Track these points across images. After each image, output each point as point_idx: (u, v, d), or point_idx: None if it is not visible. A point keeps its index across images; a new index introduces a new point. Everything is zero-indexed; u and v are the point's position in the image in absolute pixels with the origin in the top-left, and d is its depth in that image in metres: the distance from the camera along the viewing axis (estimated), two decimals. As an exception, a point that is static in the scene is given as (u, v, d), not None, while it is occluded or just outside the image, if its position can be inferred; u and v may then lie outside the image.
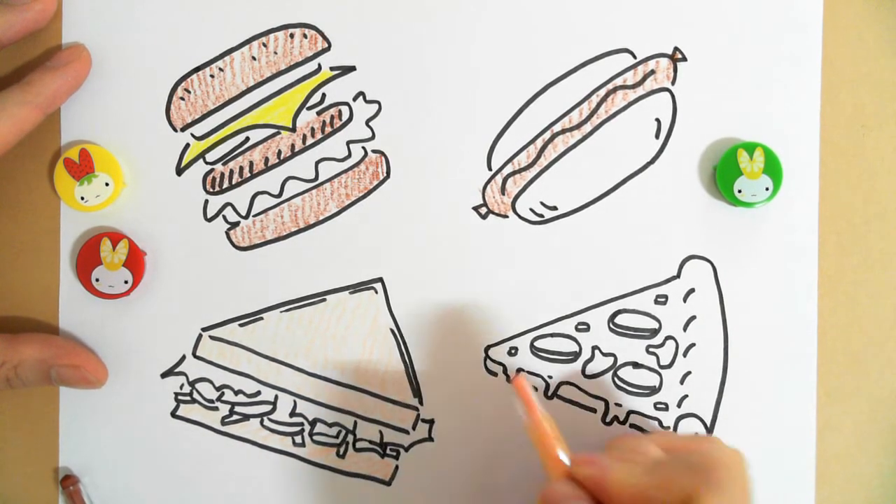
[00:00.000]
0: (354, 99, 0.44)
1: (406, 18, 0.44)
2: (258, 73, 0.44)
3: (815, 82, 0.44)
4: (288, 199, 0.44)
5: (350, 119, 0.44)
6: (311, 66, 0.44)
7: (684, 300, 0.44)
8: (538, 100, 0.44)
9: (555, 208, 0.44)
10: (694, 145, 0.44)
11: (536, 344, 0.44)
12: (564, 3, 0.44)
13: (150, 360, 0.44)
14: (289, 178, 0.44)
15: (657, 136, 0.44)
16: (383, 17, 0.44)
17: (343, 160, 0.44)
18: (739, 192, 0.43)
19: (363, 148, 0.44)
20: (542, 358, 0.44)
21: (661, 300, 0.44)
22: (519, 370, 0.44)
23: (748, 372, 0.44)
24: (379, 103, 0.44)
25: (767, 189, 0.43)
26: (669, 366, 0.44)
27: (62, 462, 0.45)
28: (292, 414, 0.45)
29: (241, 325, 0.44)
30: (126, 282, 0.43)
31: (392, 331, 0.44)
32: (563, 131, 0.44)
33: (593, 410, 0.44)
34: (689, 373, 0.44)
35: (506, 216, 0.44)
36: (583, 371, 0.44)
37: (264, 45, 0.44)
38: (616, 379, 0.44)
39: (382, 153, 0.44)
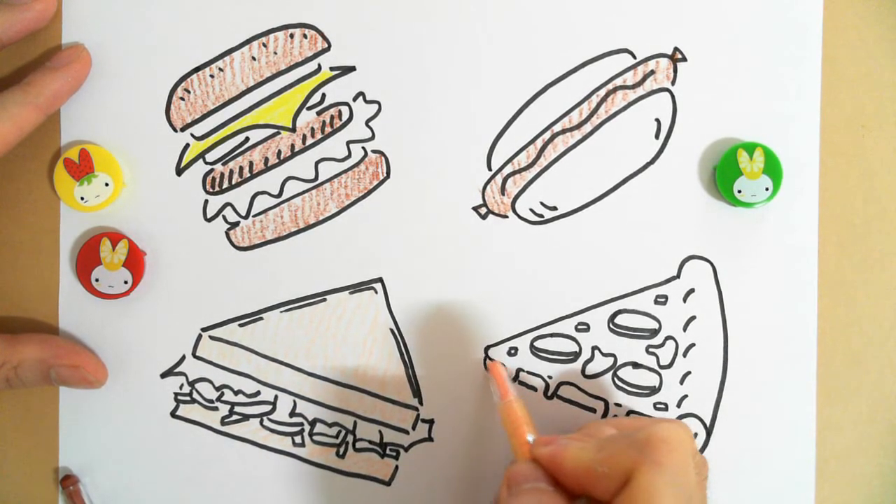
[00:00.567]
0: (354, 99, 0.44)
1: (406, 18, 0.44)
2: (258, 73, 0.44)
3: (815, 82, 0.44)
4: (288, 199, 0.44)
5: (350, 119, 0.44)
6: (311, 66, 0.44)
7: (684, 300, 0.44)
8: (538, 100, 0.44)
9: (555, 208, 0.44)
10: (694, 145, 0.44)
11: (536, 344, 0.44)
12: (564, 3, 0.44)
13: (149, 360, 0.44)
14: (289, 178, 0.44)
15: (657, 137, 0.44)
16: (383, 17, 0.44)
17: (343, 160, 0.44)
18: (739, 192, 0.43)
19: (363, 148, 0.44)
20: (542, 358, 0.44)
21: (661, 300, 0.44)
22: (519, 370, 0.44)
23: (748, 372, 0.44)
24: (379, 103, 0.44)
25: (767, 189, 0.43)
26: (669, 366, 0.44)
27: (62, 462, 0.45)
28: (292, 414, 0.45)
29: (240, 325, 0.44)
30: (126, 282, 0.43)
31: (392, 331, 0.44)
32: (563, 131, 0.44)
33: (593, 410, 0.44)
34: (688, 373, 0.44)
35: (506, 216, 0.44)
36: (583, 371, 0.44)
37: (264, 45, 0.44)
38: (616, 379, 0.44)
39: (382, 153, 0.44)
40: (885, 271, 0.44)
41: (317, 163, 0.44)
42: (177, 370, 0.44)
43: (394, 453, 0.45)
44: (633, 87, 0.44)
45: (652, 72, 0.44)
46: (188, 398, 0.44)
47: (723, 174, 0.43)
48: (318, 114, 0.44)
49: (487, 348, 0.44)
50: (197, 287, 0.44)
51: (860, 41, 0.44)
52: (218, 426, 0.45)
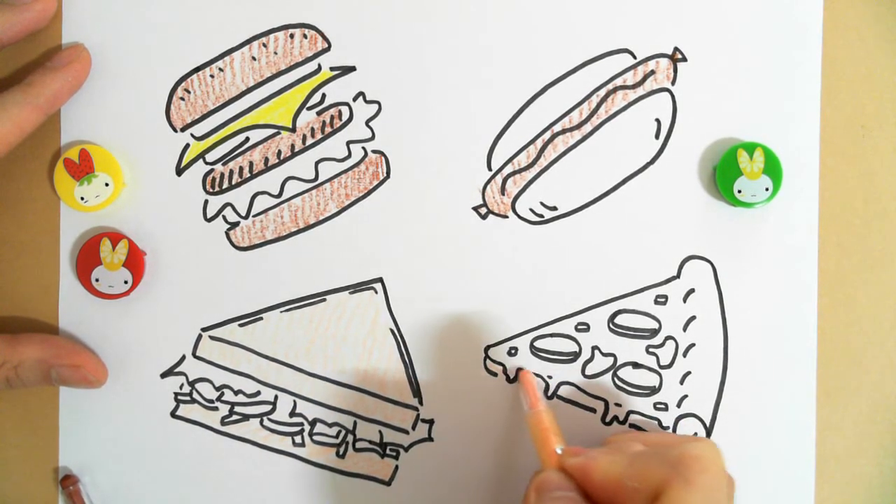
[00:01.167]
0: (354, 99, 0.44)
1: (406, 18, 0.44)
2: (258, 73, 0.44)
3: (815, 82, 0.44)
4: (288, 199, 0.44)
5: (350, 119, 0.44)
6: (311, 66, 0.44)
7: (684, 300, 0.44)
8: (538, 100, 0.44)
9: (555, 208, 0.44)
10: (694, 145, 0.44)
11: (536, 344, 0.44)
12: (564, 3, 0.44)
13: (149, 360, 0.44)
14: (289, 178, 0.44)
15: (657, 137, 0.44)
16: (383, 16, 0.44)
17: (343, 160, 0.44)
18: (739, 192, 0.43)
19: (363, 148, 0.44)
20: (542, 358, 0.44)
21: (661, 300, 0.44)
22: (519, 370, 0.44)
23: (748, 372, 0.44)
24: (379, 103, 0.44)
25: (767, 189, 0.43)
26: (669, 366, 0.44)
27: (62, 462, 0.45)
28: (292, 414, 0.45)
29: (240, 326, 0.44)
30: (126, 282, 0.43)
31: (392, 331, 0.44)
32: (563, 131, 0.44)
33: (593, 410, 0.44)
34: (688, 373, 0.44)
35: (506, 216, 0.44)
36: (583, 371, 0.44)
37: (264, 45, 0.44)
38: (616, 379, 0.44)
39: (382, 153, 0.44)
40: (885, 271, 0.44)
41: (317, 163, 0.44)
42: (177, 370, 0.44)
43: (394, 453, 0.45)
44: (634, 87, 0.44)
45: (652, 72, 0.44)
46: (188, 398, 0.45)
47: (723, 174, 0.43)
48: (319, 114, 0.44)
49: (487, 348, 0.44)
50: (197, 287, 0.44)
51: (860, 41, 0.44)
52: (218, 426, 0.45)
